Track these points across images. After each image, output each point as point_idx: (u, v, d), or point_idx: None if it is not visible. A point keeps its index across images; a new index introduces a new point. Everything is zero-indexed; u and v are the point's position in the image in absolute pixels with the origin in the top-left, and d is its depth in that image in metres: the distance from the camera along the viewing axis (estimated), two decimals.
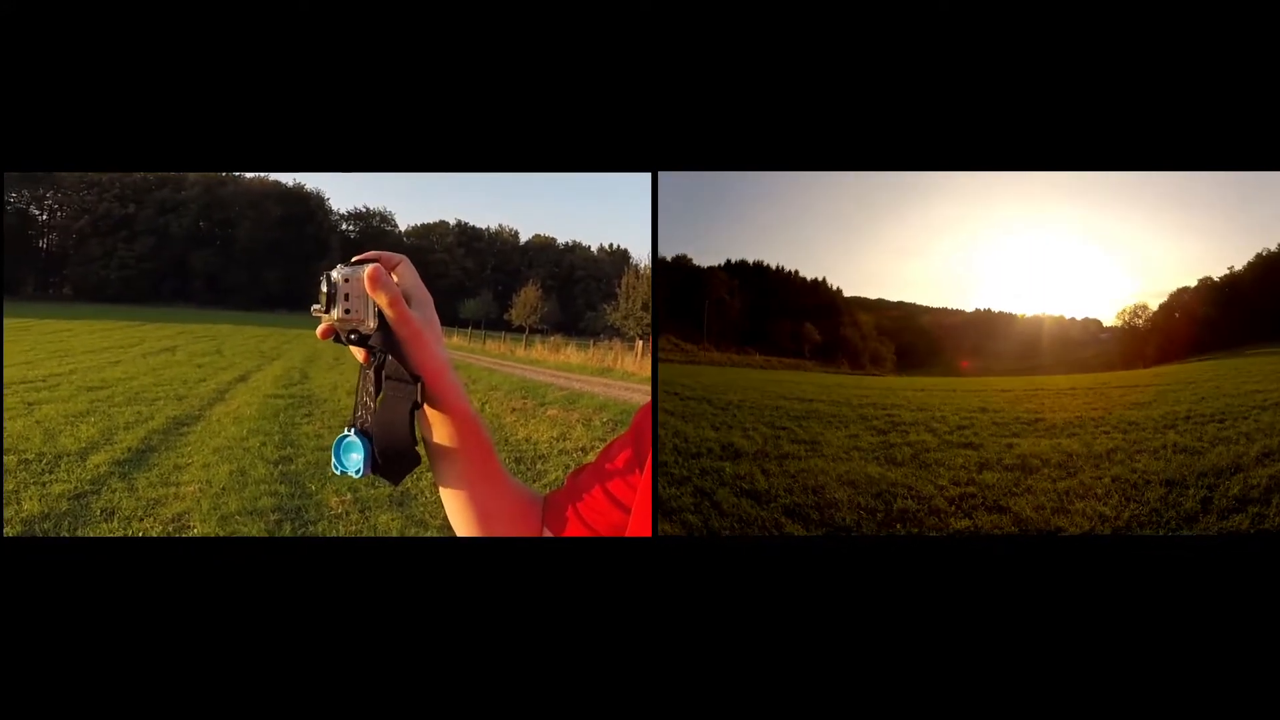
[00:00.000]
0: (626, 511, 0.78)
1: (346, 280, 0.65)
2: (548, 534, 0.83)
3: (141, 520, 4.13)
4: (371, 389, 0.69)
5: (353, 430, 0.70)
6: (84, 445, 5.58)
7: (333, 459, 0.71)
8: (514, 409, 9.59)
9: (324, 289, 0.65)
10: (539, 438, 7.66)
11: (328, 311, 0.66)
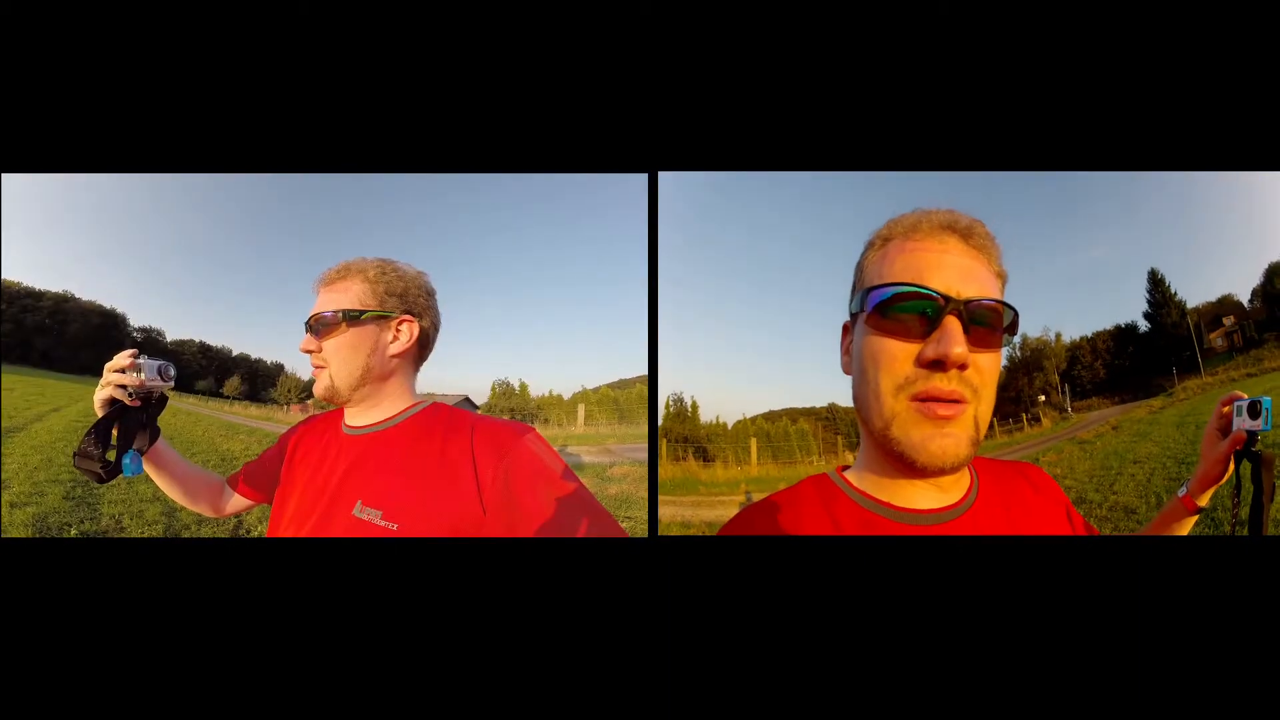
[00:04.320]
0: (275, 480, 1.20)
1: (154, 367, 1.08)
2: (229, 491, 1.28)
3: None
4: (139, 421, 1.10)
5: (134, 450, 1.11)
6: None
7: (129, 465, 1.09)
8: None
9: (140, 367, 1.06)
10: None
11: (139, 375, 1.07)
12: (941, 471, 0.79)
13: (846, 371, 0.87)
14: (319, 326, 1.09)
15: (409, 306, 1.12)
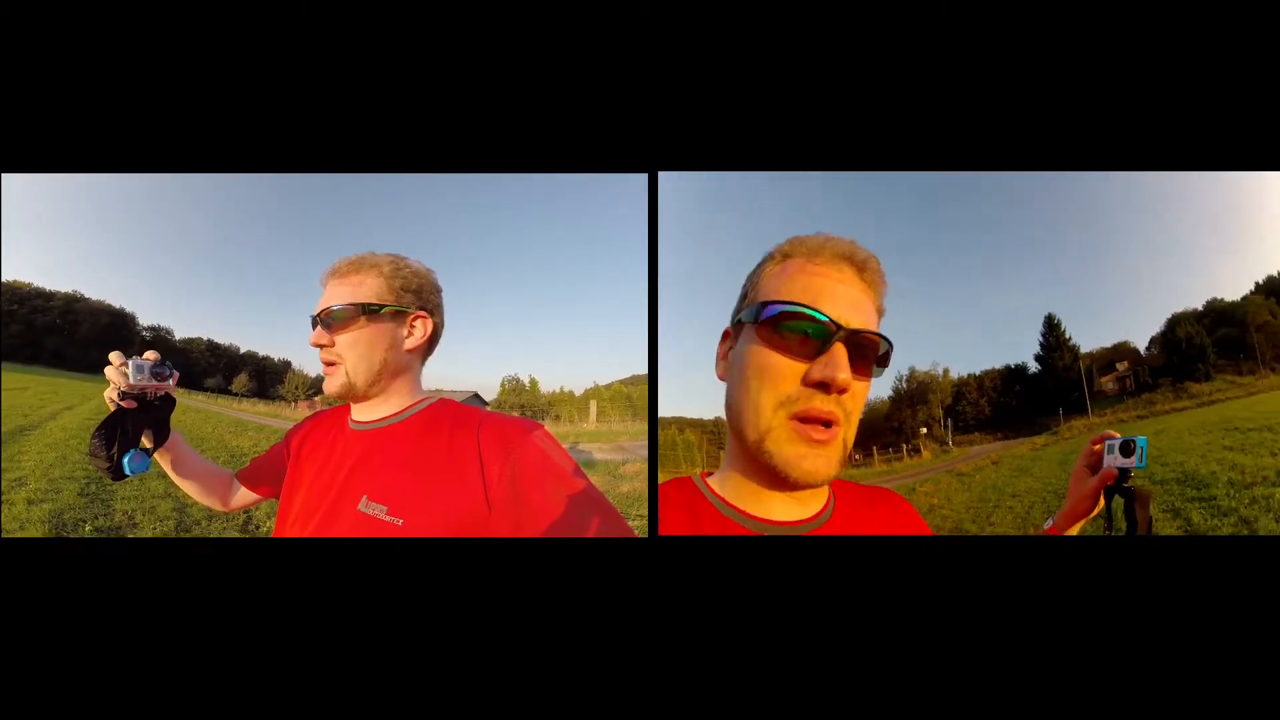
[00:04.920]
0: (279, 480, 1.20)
1: (144, 368, 1.05)
2: (238, 485, 1.28)
3: None
4: (142, 421, 1.09)
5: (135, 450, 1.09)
6: None
7: (129, 464, 1.08)
8: None
9: (129, 367, 1.04)
10: None
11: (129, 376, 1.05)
12: (809, 486, 0.83)
13: (722, 377, 0.90)
14: (331, 320, 1.07)
15: (423, 303, 1.12)
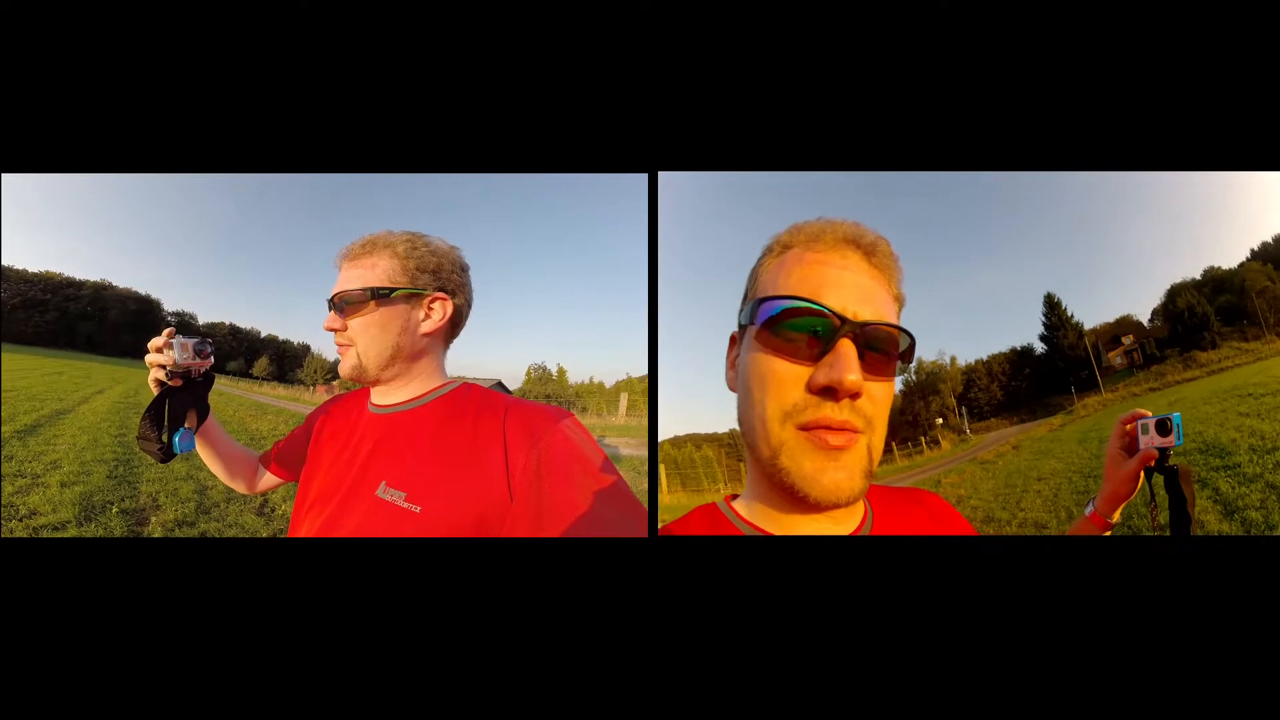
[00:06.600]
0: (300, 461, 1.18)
1: (190, 346, 1.09)
2: (262, 469, 1.30)
3: (31, 463, 6.32)
4: (186, 400, 1.12)
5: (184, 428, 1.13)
6: None
7: (179, 443, 1.11)
8: None
9: (174, 345, 1.08)
10: None
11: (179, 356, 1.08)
12: (835, 506, 0.73)
13: (732, 388, 0.81)
14: (344, 304, 1.04)
15: (442, 283, 1.07)
